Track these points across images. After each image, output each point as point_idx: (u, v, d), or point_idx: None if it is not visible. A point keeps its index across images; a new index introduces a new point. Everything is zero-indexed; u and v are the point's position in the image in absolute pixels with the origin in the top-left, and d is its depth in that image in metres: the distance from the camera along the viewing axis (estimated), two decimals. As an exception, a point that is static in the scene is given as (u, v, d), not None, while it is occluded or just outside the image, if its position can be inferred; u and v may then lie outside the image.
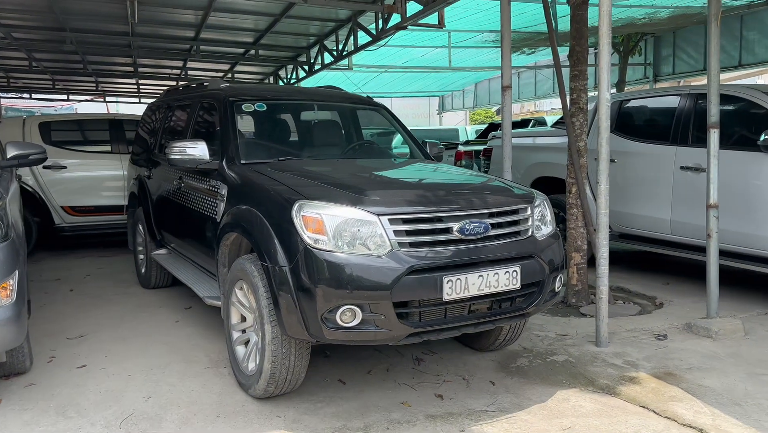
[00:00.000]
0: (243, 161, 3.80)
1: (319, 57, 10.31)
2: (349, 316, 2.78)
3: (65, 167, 7.10)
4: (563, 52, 8.55)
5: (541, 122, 15.02)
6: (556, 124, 8.38)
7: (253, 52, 10.58)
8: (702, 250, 4.81)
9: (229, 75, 13.04)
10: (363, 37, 8.44)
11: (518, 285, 3.07)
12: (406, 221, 2.93)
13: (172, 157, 3.83)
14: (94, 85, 15.23)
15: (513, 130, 5.47)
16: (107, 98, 18.60)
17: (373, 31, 7.97)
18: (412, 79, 18.00)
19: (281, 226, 2.97)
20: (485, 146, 8.48)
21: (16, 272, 3.05)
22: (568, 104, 5.00)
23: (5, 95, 17.72)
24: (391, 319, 2.81)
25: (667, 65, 13.51)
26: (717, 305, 4.44)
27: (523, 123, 14.81)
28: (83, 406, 3.22)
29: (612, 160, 4.77)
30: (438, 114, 25.00)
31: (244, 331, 3.37)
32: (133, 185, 5.87)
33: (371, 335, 2.84)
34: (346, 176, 3.61)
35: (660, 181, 5.43)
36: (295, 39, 9.97)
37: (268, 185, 3.30)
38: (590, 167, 5.25)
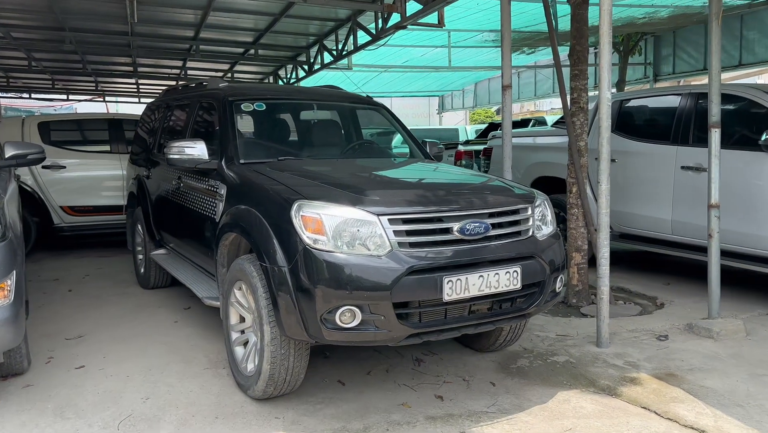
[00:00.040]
0: (242, 161, 3.79)
1: (319, 57, 10.29)
2: (348, 317, 2.77)
3: (64, 167, 7.08)
4: (563, 52, 8.52)
5: (541, 122, 15.01)
6: (556, 123, 8.37)
7: (252, 51, 10.55)
8: (703, 250, 4.79)
9: (229, 75, 13.02)
10: (363, 37, 8.42)
11: (519, 285, 3.06)
12: (406, 221, 2.91)
13: (171, 156, 3.81)
14: (93, 84, 15.20)
15: (513, 130, 5.45)
16: (107, 98, 18.58)
17: (373, 31, 7.95)
18: (412, 79, 17.98)
19: (280, 226, 2.95)
20: (485, 146, 8.46)
21: (14, 272, 3.03)
22: (569, 104, 4.98)
23: (5, 95, 17.71)
24: (391, 320, 2.79)
25: (667, 65, 13.50)
26: (718, 305, 4.41)
27: (523, 123, 14.80)
28: (81, 407, 3.20)
29: (612, 160, 4.74)
30: (438, 114, 24.99)
31: (243, 331, 3.36)
32: (132, 185, 5.85)
33: (371, 336, 2.82)
34: (346, 176, 3.59)
35: (661, 181, 5.41)
36: (295, 38, 9.95)
37: (267, 185, 3.29)
38: (591, 167, 5.23)
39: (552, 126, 8.74)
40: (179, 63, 11.98)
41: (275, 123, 4.55)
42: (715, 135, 4.29)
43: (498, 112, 27.43)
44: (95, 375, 3.61)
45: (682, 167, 5.24)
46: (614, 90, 11.86)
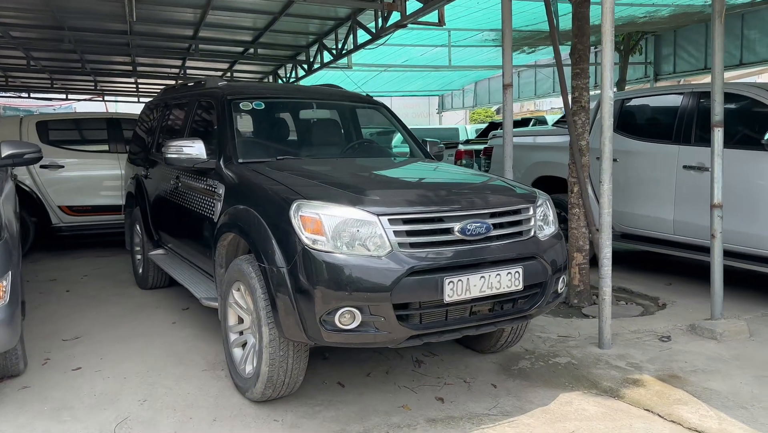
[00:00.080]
0: (240, 160, 3.75)
1: (319, 56, 10.25)
2: (348, 318, 2.73)
3: (62, 167, 7.04)
4: (564, 51, 8.49)
5: (541, 121, 14.99)
6: (557, 123, 8.32)
7: (252, 50, 10.51)
8: (705, 250, 4.75)
9: (228, 74, 12.98)
10: (363, 36, 8.38)
11: (520, 286, 3.02)
12: (406, 221, 2.88)
13: (169, 156, 3.78)
14: (92, 84, 15.15)
15: (514, 129, 5.41)
16: (106, 97, 18.54)
17: (373, 30, 7.91)
18: (412, 79, 17.96)
19: (279, 226, 2.92)
20: (485, 145, 8.43)
21: (9, 273, 3.00)
22: (570, 103, 4.94)
23: (4, 95, 17.67)
24: (391, 321, 2.75)
25: (668, 64, 13.46)
26: (721, 306, 4.38)
27: (523, 122, 14.77)
28: (78, 409, 3.16)
29: (614, 160, 4.71)
30: (438, 113, 24.96)
31: (241, 333, 3.32)
32: (131, 185, 5.82)
33: (371, 337, 2.79)
34: (346, 176, 3.55)
35: (662, 180, 5.37)
36: (294, 38, 9.91)
37: (266, 185, 3.25)
38: (592, 166, 5.19)
39: (553, 125, 8.70)
40: (178, 62, 11.94)
41: (274, 122, 4.51)
42: (718, 134, 4.25)
43: (498, 111, 27.41)
44: (92, 377, 3.58)
45: (684, 167, 5.21)
46: (615, 89, 11.82)
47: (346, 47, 9.17)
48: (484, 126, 15.92)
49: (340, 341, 2.80)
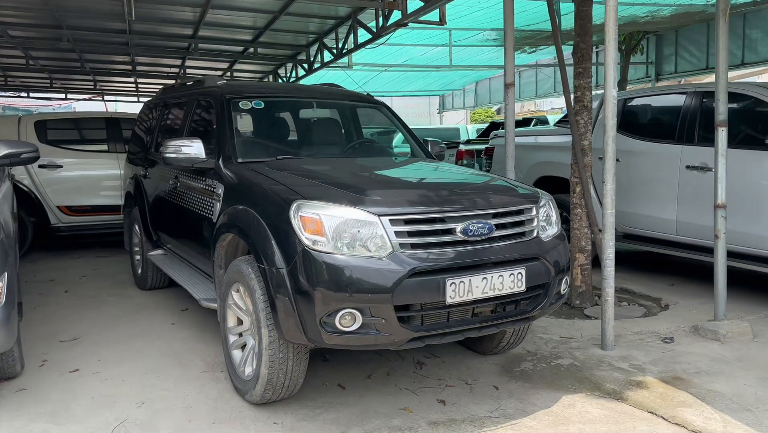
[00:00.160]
0: (240, 160, 3.71)
1: (319, 55, 10.21)
2: (348, 320, 2.69)
3: (61, 166, 7.01)
4: (566, 51, 8.45)
5: (543, 121, 14.94)
6: (559, 122, 8.29)
7: (252, 50, 10.48)
8: (708, 250, 4.72)
9: (228, 73, 12.95)
10: (363, 35, 8.34)
11: (523, 288, 2.99)
12: (407, 222, 2.84)
13: (168, 155, 3.74)
14: (92, 83, 15.11)
15: (516, 129, 5.37)
16: (106, 97, 18.50)
17: (374, 29, 7.87)
18: (413, 78, 17.92)
19: (278, 227, 2.88)
20: (487, 145, 8.39)
21: (6, 274, 2.96)
22: (572, 102, 4.91)
23: (3, 94, 17.62)
24: (392, 323, 2.72)
25: (669, 64, 13.43)
26: (725, 307, 4.34)
27: (524, 122, 14.73)
28: (75, 412, 3.13)
29: (616, 160, 4.67)
30: (438, 113, 24.93)
31: (240, 334, 3.28)
32: (129, 185, 5.78)
33: (372, 339, 2.75)
34: (346, 176, 3.51)
35: (665, 180, 5.33)
36: (295, 37, 9.88)
37: (266, 185, 3.21)
38: (594, 166, 5.15)
39: (555, 125, 8.66)
40: (178, 62, 11.91)
41: (274, 121, 4.48)
42: (722, 134, 4.21)
43: (499, 111, 27.38)
44: (90, 379, 3.54)
45: (687, 167, 5.17)
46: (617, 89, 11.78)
47: (346, 47, 9.13)
48: (485, 126, 15.88)
49: (341, 343, 2.77)
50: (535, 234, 3.17)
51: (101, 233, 7.34)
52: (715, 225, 4.29)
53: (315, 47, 10.22)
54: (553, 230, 3.31)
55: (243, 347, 3.26)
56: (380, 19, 7.64)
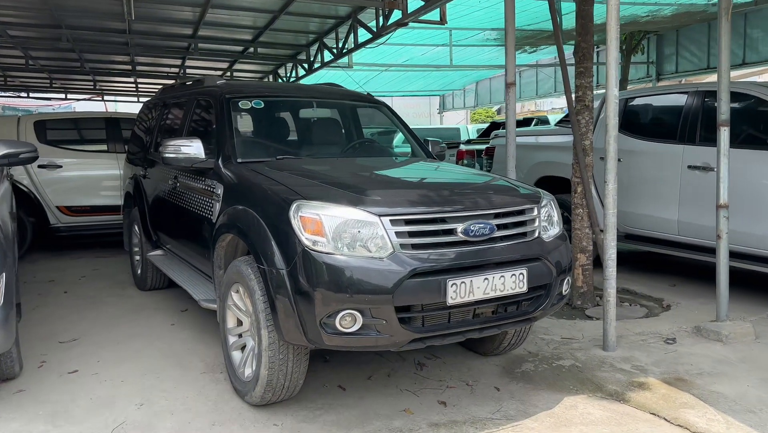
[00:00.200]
0: (239, 160, 3.69)
1: (319, 55, 10.19)
2: (348, 321, 2.67)
3: (60, 166, 6.99)
4: (567, 50, 8.42)
5: (544, 121, 14.92)
6: (560, 122, 8.27)
7: (252, 50, 10.46)
8: (709, 251, 4.70)
9: (228, 73, 12.93)
10: (363, 35, 8.33)
11: (525, 288, 2.96)
12: (408, 222, 2.82)
13: (167, 155, 3.72)
14: (91, 83, 15.10)
15: (516, 129, 5.34)
16: (106, 97, 18.48)
17: (374, 28, 7.85)
18: (413, 78, 17.90)
19: (278, 227, 2.86)
20: (487, 145, 8.37)
21: (3, 275, 2.94)
22: (574, 102, 4.89)
23: (3, 94, 17.60)
24: (393, 324, 2.70)
25: (670, 64, 13.40)
26: (727, 307, 4.32)
27: (525, 122, 14.71)
28: (74, 414, 3.11)
29: (618, 160, 4.65)
30: (438, 113, 24.90)
31: (240, 335, 3.26)
32: (129, 185, 5.76)
33: (372, 340, 2.73)
34: (346, 176, 3.49)
35: (667, 180, 5.31)
36: (295, 36, 9.86)
37: (265, 185, 3.19)
38: (596, 166, 5.13)
39: (556, 125, 8.65)
40: (178, 61, 11.89)
41: (274, 121, 4.45)
42: (724, 133, 4.19)
43: (499, 111, 27.35)
44: (89, 380, 3.52)
45: (689, 167, 5.15)
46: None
47: (346, 46, 9.11)
48: (485, 126, 15.86)
49: (341, 344, 2.75)
50: (536, 234, 3.15)
51: (101, 233, 7.31)
52: (718, 225, 4.26)
53: (315, 47, 10.20)
54: (554, 230, 3.29)
55: (243, 348, 3.24)
56: (380, 19, 7.63)
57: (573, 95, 4.91)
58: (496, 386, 3.41)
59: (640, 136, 5.65)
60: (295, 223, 2.77)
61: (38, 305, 5.08)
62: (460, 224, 2.88)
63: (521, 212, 3.15)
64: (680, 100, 5.42)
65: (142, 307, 5.02)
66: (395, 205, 2.86)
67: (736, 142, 4.72)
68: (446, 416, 3.04)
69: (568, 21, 7.95)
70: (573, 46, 5.00)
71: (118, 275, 6.20)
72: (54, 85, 15.15)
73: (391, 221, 2.78)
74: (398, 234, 2.77)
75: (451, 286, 2.75)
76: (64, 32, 8.77)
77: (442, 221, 2.89)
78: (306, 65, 10.95)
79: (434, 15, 6.68)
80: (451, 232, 2.87)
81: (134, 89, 16.55)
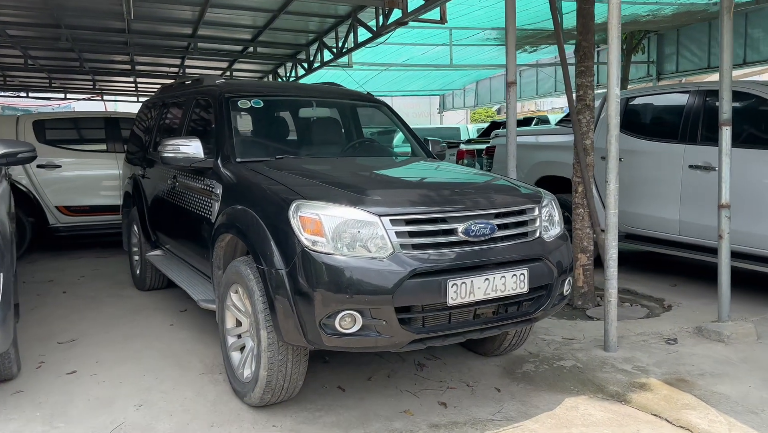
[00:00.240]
0: (238, 159, 3.67)
1: (319, 54, 10.17)
2: (348, 322, 2.65)
3: (59, 166, 6.97)
4: (567, 50, 8.40)
5: (544, 121, 14.90)
6: (561, 121, 8.25)
7: (251, 49, 10.44)
8: (711, 250, 4.68)
9: (228, 73, 12.91)
10: (363, 35, 8.31)
11: (526, 289, 2.95)
12: (408, 222, 2.80)
13: (166, 155, 3.70)
14: (91, 83, 15.07)
15: (517, 128, 5.32)
16: (105, 97, 18.46)
17: (374, 28, 7.83)
18: (413, 78, 17.87)
19: (277, 227, 2.84)
20: (488, 145, 8.35)
21: (1, 275, 2.92)
22: (574, 101, 4.86)
23: (2, 94, 17.58)
24: (393, 325, 2.68)
25: (671, 63, 13.37)
26: (728, 308, 4.30)
27: (525, 122, 14.68)
28: (71, 415, 3.09)
29: (619, 159, 4.63)
30: (438, 113, 24.88)
31: (239, 336, 3.24)
32: (128, 185, 5.74)
33: (372, 341, 2.71)
34: (346, 175, 3.47)
35: (668, 180, 5.29)
36: (294, 36, 9.84)
37: (265, 184, 3.17)
38: (597, 166, 5.11)
39: (556, 124, 8.63)
40: (177, 61, 11.86)
41: (273, 120, 4.43)
42: (726, 133, 4.17)
43: (499, 111, 27.33)
44: (87, 381, 3.50)
45: (690, 166, 5.13)
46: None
47: (346, 46, 9.09)
48: (485, 126, 15.85)
49: (341, 345, 2.73)
50: (537, 234, 3.13)
51: (100, 233, 7.29)
52: (719, 225, 4.24)
53: (315, 46, 10.18)
54: (555, 230, 3.27)
55: (242, 348, 3.22)
56: (380, 18, 7.61)
57: (574, 94, 4.89)
58: (496, 386, 3.39)
59: (641, 135, 5.63)
60: (295, 223, 2.75)
61: (37, 306, 5.06)
62: (461, 224, 2.86)
63: (522, 212, 3.13)
64: (681, 99, 5.40)
65: (142, 307, 5.00)
66: (395, 205, 2.84)
67: (737, 141, 4.70)
68: (446, 418, 3.02)
69: (569, 20, 7.93)
70: (573, 45, 4.98)
71: (118, 275, 6.18)
72: (53, 85, 15.13)
73: (391, 220, 2.76)
74: (398, 234, 2.75)
75: (452, 286, 2.73)
76: (64, 32, 8.76)
77: (443, 220, 2.87)
78: (306, 65, 10.92)
79: (434, 14, 6.66)
80: (451, 232, 2.85)
81: (134, 89, 16.53)
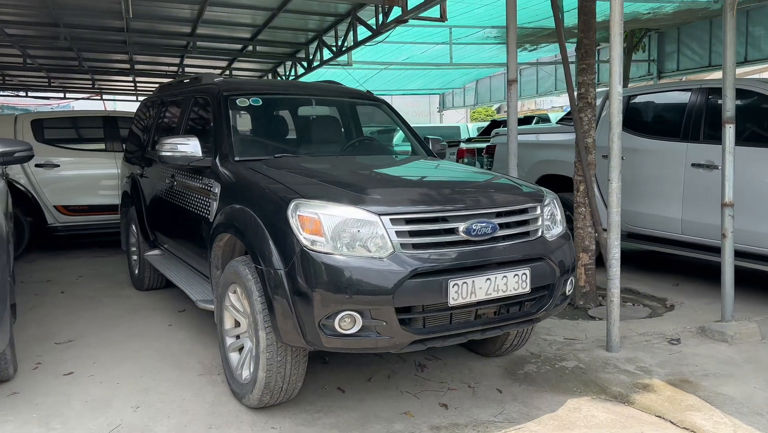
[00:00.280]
0: (237, 158, 3.63)
1: (318, 53, 10.13)
2: (348, 322, 2.62)
3: (58, 165, 6.93)
4: (569, 48, 8.36)
5: (545, 119, 14.87)
6: (562, 120, 8.21)
7: (250, 48, 10.40)
8: (714, 250, 4.64)
9: (227, 72, 12.87)
10: (363, 33, 8.27)
11: (528, 289, 2.91)
12: (408, 221, 2.76)
13: (163, 154, 3.66)
14: (90, 82, 15.03)
15: (518, 127, 5.29)
16: (104, 96, 18.42)
17: (373, 26, 7.79)
18: (413, 77, 17.83)
19: (276, 226, 2.80)
20: (488, 144, 8.32)
21: (-3, 275, 2.88)
22: (576, 99, 4.83)
23: (1, 93, 17.54)
24: (393, 325, 2.64)
25: (672, 61, 13.32)
26: (732, 307, 4.26)
27: (525, 120, 14.65)
28: (68, 417, 3.05)
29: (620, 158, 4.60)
30: (438, 112, 24.83)
31: (238, 337, 3.21)
32: (126, 184, 5.71)
33: (372, 342, 2.68)
34: (346, 174, 3.43)
35: (670, 179, 5.25)
36: (294, 34, 9.80)
37: (263, 183, 3.13)
38: (598, 165, 5.07)
39: (558, 122, 8.58)
40: (176, 60, 11.82)
41: (272, 119, 4.40)
42: (729, 131, 4.13)
43: (499, 110, 27.29)
44: (84, 382, 3.47)
45: (693, 165, 5.09)
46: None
47: (346, 44, 9.05)
48: (485, 124, 15.81)
49: (340, 346, 2.69)
50: (539, 234, 3.09)
51: (98, 232, 7.26)
52: (723, 224, 4.21)
53: (314, 45, 10.14)
54: (557, 229, 3.23)
55: (240, 349, 3.18)
56: (380, 16, 7.57)
57: (575, 92, 4.85)
58: (498, 387, 3.35)
59: (642, 134, 5.59)
60: (294, 222, 2.72)
61: (35, 306, 5.02)
62: (462, 223, 2.83)
63: (524, 211, 3.09)
64: (684, 97, 5.36)
65: (140, 307, 4.96)
66: (395, 204, 2.80)
67: (739, 139, 4.66)
68: (447, 419, 2.99)
69: (570, 18, 7.89)
70: (575, 43, 4.94)
71: (116, 275, 6.14)
72: (52, 84, 15.09)
73: (391, 220, 2.72)
74: (398, 233, 2.72)
75: (453, 286, 2.70)
76: (62, 31, 8.71)
77: (444, 220, 2.84)
78: (305, 63, 10.88)
79: (434, 12, 6.61)
80: (452, 231, 2.82)
81: (133, 88, 16.49)
